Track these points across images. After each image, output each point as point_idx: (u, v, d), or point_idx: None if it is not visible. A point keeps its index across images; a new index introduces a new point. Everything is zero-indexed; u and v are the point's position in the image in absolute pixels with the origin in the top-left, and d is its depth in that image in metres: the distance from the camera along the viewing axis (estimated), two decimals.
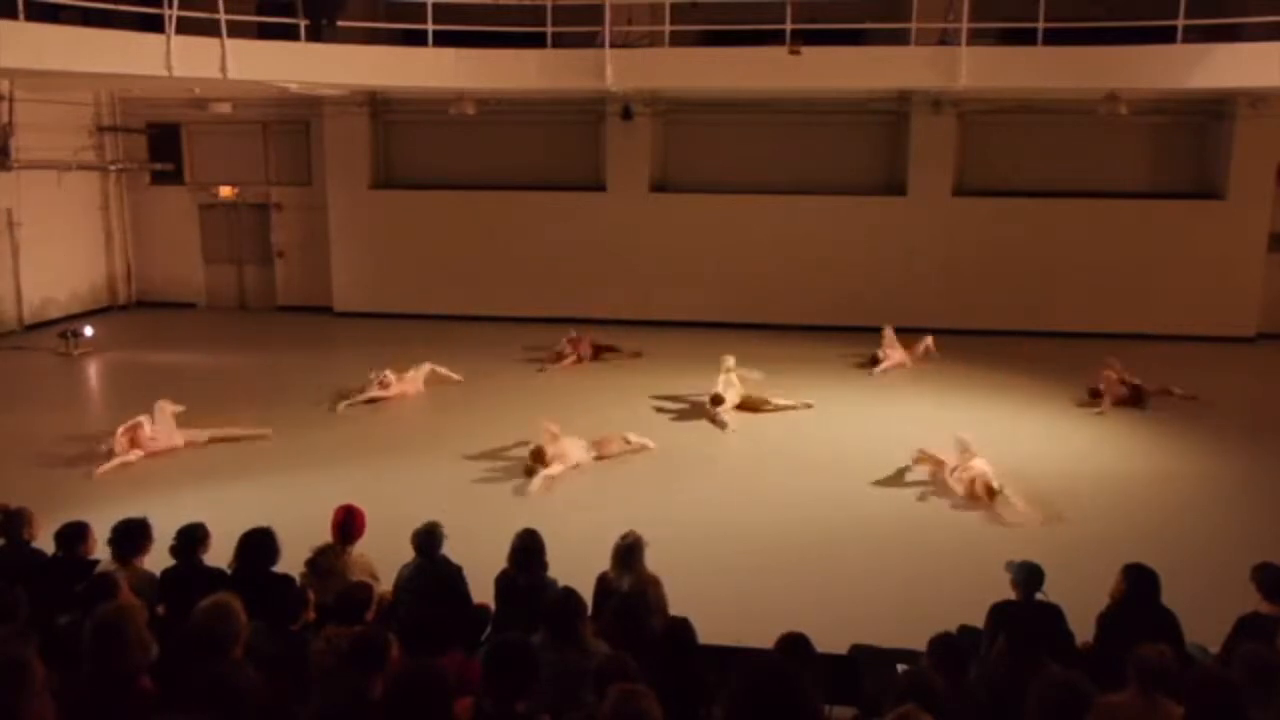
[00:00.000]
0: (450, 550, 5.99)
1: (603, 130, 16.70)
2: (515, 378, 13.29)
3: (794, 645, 4.49)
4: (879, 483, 9.34)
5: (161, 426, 10.05)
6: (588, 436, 10.00)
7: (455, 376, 12.75)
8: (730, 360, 11.93)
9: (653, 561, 5.72)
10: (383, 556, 6.18)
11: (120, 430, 9.76)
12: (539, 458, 9.48)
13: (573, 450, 9.70)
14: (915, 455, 9.51)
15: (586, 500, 8.98)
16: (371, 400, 11.88)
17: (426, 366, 12.53)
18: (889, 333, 13.78)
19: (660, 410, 11.82)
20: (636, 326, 15.75)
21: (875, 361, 13.54)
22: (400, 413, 11.87)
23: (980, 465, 8.93)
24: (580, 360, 13.82)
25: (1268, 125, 14.98)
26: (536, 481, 9.22)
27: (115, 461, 9.61)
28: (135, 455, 9.72)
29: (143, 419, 9.91)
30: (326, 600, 5.22)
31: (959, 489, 8.90)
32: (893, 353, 13.60)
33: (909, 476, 9.41)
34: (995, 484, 8.69)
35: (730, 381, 11.73)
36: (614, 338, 14.51)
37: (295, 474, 9.59)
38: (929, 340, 13.87)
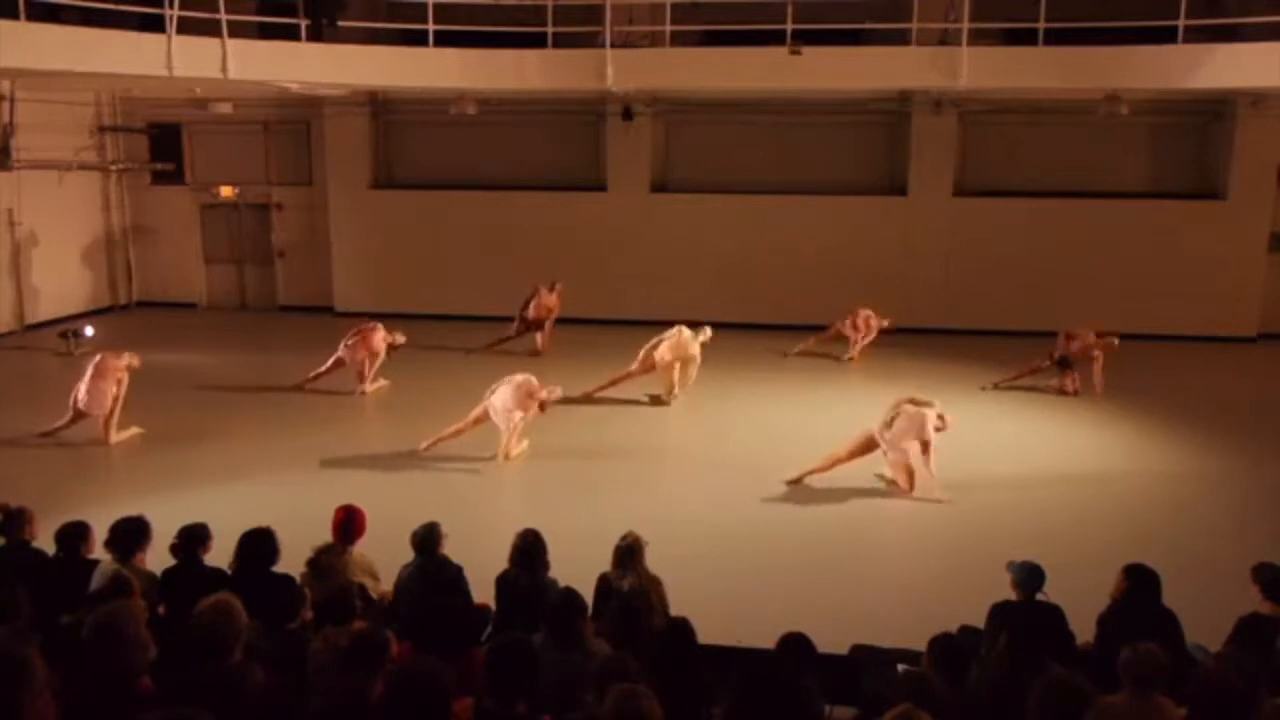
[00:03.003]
0: (450, 550, 5.99)
1: (603, 130, 16.71)
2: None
3: (794, 645, 4.49)
4: (879, 482, 9.33)
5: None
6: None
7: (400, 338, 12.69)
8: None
9: (653, 561, 5.73)
10: (383, 556, 6.18)
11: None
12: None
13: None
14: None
15: (587, 500, 8.99)
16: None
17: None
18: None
19: (658, 408, 11.84)
20: (637, 326, 15.70)
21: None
22: (400, 412, 11.88)
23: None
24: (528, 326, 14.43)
25: (1268, 125, 14.99)
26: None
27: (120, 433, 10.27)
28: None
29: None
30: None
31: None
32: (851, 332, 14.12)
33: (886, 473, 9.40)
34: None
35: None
36: (616, 337, 14.53)
37: (295, 474, 9.59)
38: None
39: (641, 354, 11.96)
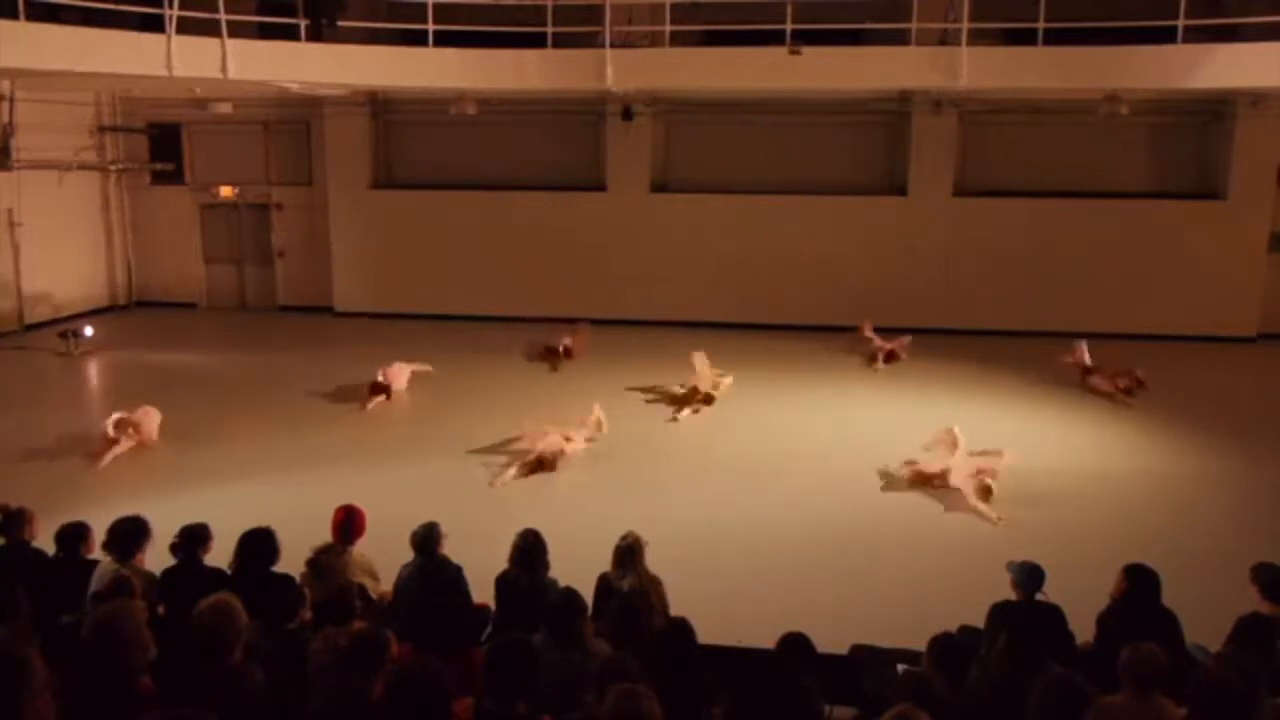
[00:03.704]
0: (450, 550, 5.99)
1: (603, 130, 16.70)
2: (515, 376, 13.29)
3: (794, 645, 4.50)
4: (879, 482, 9.33)
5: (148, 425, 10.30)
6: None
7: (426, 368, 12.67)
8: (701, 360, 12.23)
9: (653, 561, 5.73)
10: (383, 556, 6.19)
11: (113, 421, 10.02)
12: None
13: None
14: (909, 474, 9.37)
15: (587, 500, 8.99)
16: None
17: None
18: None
19: (659, 410, 11.85)
20: (637, 326, 15.77)
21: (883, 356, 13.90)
22: (400, 413, 11.88)
23: (976, 465, 9.02)
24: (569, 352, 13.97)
25: (1268, 125, 14.99)
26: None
27: (112, 453, 9.79)
28: (127, 445, 9.96)
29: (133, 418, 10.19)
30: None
31: (965, 487, 8.90)
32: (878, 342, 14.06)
33: (901, 485, 9.36)
34: (991, 485, 8.76)
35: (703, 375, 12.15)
36: (615, 336, 14.54)
37: (295, 474, 9.59)
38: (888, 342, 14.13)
39: (699, 368, 12.17)
